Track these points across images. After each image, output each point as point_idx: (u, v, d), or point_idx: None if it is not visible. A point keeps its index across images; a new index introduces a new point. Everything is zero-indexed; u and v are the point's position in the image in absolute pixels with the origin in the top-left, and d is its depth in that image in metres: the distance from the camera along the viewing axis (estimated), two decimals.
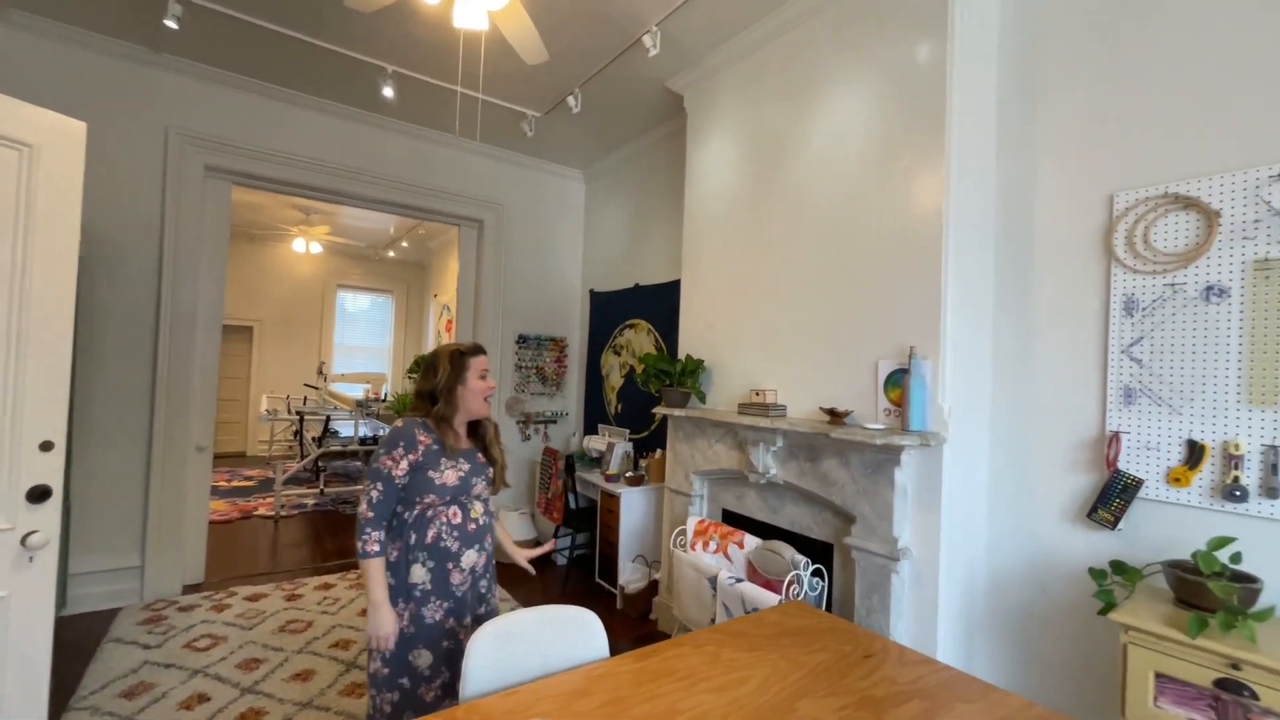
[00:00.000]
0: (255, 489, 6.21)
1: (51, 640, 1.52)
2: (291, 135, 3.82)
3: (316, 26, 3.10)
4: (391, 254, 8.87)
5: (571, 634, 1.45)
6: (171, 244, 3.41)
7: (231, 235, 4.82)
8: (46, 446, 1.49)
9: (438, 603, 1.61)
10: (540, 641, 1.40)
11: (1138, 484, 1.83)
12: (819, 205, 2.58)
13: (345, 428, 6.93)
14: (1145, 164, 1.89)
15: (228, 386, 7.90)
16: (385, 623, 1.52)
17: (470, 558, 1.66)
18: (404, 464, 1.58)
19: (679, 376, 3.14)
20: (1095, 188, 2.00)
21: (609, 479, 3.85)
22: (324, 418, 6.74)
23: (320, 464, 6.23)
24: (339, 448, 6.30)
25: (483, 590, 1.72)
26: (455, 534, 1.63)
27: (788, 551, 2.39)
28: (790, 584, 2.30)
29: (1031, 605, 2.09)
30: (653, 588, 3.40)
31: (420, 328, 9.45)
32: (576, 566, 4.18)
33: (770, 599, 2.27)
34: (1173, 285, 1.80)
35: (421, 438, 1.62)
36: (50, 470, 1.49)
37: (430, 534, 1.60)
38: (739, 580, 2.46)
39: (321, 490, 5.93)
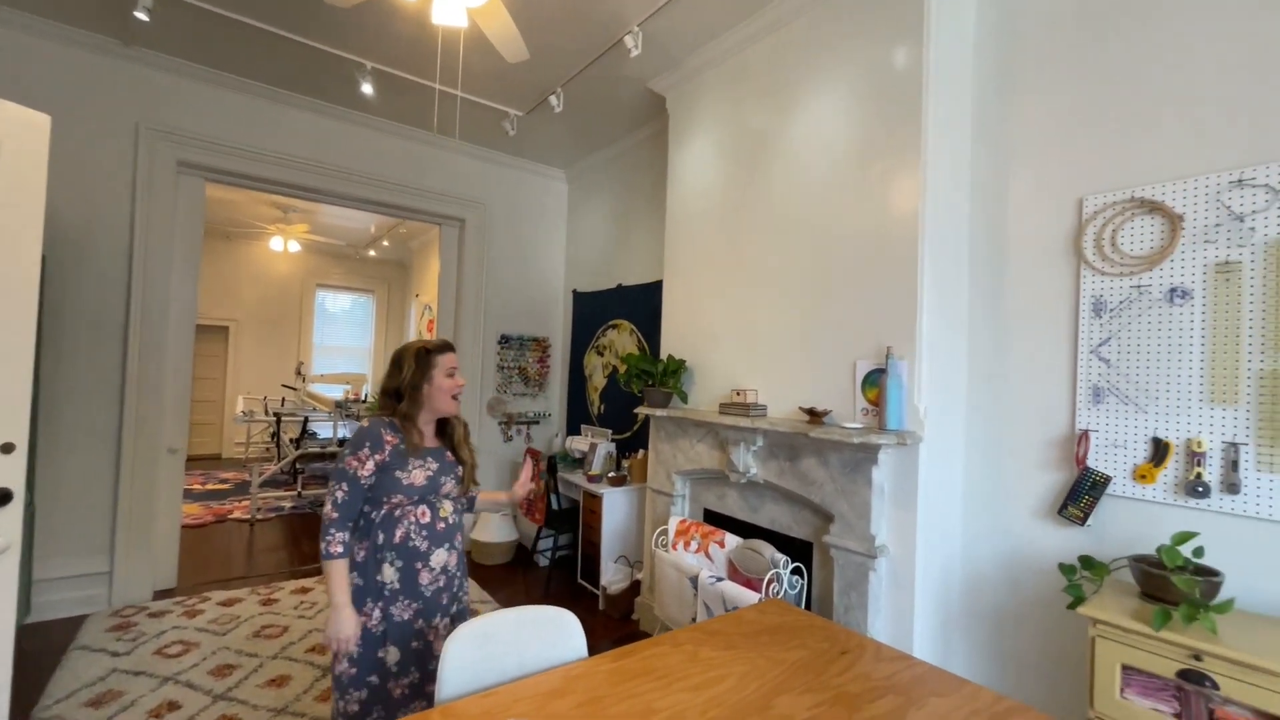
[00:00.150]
0: (231, 492, 6.09)
1: (12, 648, 1.48)
2: (268, 131, 3.75)
3: (293, 20, 3.05)
4: (372, 253, 8.76)
5: (550, 634, 1.44)
6: (142, 241, 3.33)
7: (206, 233, 4.72)
8: (7, 449, 1.45)
9: (405, 602, 1.59)
10: (518, 642, 1.39)
11: (1106, 481, 1.87)
12: (799, 206, 2.60)
13: (324, 429, 6.82)
14: (1113, 168, 1.94)
15: (202, 387, 7.72)
16: (346, 625, 1.49)
17: (440, 557, 1.64)
18: (370, 464, 1.56)
19: (661, 377, 3.15)
20: (1066, 191, 2.04)
21: (591, 479, 3.84)
22: (302, 419, 6.63)
23: (298, 466, 6.13)
24: (318, 449, 6.20)
25: (455, 589, 1.71)
26: (424, 533, 1.62)
27: (768, 550, 2.41)
28: (770, 582, 2.31)
29: (1005, 601, 2.13)
30: (635, 588, 3.40)
31: (402, 328, 9.33)
32: (559, 567, 4.16)
33: (750, 597, 2.28)
34: (1139, 287, 1.85)
35: (388, 437, 1.59)
36: (11, 473, 1.45)
37: (399, 533, 1.59)
38: (720, 579, 2.48)
39: (299, 493, 5.83)
